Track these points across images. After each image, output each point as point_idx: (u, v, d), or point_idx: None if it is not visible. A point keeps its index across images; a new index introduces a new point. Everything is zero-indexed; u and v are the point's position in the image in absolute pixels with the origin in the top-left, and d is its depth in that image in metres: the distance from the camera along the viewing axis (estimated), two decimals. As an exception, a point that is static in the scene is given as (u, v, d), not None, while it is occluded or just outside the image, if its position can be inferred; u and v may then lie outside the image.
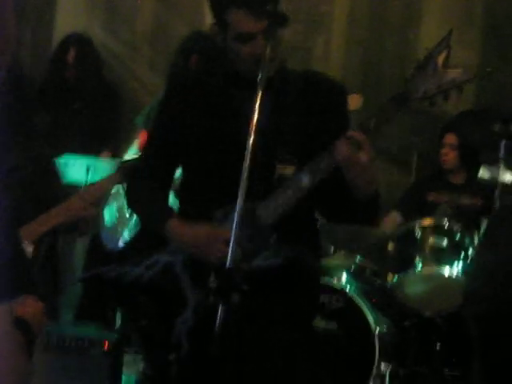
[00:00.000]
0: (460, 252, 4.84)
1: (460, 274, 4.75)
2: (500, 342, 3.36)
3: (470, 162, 5.47)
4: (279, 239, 2.53)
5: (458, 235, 4.88)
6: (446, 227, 4.91)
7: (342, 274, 4.78)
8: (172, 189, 2.88)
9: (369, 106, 5.49)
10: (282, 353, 2.59)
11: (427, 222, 4.96)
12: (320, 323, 4.51)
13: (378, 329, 4.49)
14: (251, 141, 2.34)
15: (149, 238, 2.74)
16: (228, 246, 2.35)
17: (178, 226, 2.63)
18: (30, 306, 2.35)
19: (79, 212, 2.89)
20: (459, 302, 4.58)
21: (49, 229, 2.88)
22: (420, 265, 4.85)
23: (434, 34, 6.09)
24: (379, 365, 4.46)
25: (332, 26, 6.39)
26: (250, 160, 2.32)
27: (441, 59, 2.38)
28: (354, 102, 4.34)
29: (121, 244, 4.66)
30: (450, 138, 5.48)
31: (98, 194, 3.03)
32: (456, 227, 4.91)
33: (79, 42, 5.97)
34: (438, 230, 4.91)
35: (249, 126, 2.37)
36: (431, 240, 4.89)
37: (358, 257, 5.12)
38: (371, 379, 4.42)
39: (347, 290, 4.60)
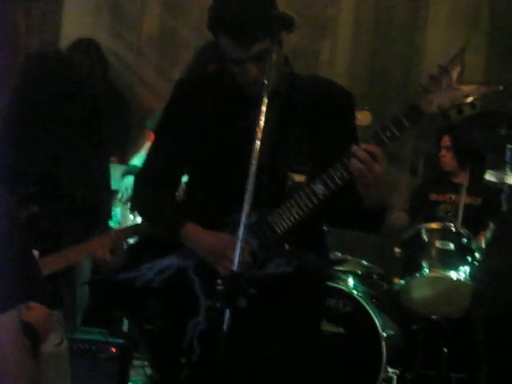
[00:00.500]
0: (467, 255, 4.84)
1: (467, 278, 4.75)
2: (508, 346, 3.36)
3: (467, 162, 5.48)
4: (291, 247, 2.54)
5: (465, 239, 4.88)
6: (452, 231, 4.91)
7: (349, 279, 4.79)
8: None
9: (375, 111, 5.50)
10: (289, 357, 2.60)
11: (434, 225, 4.96)
12: (327, 327, 4.51)
13: (385, 333, 4.49)
14: (257, 146, 2.34)
15: (152, 242, 2.74)
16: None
17: (195, 231, 2.64)
18: (35, 312, 2.36)
19: (98, 256, 2.88)
20: (466, 306, 4.58)
21: (66, 266, 2.88)
22: (427, 269, 4.85)
23: (441, 38, 6.10)
24: (386, 369, 4.46)
25: (338, 31, 6.40)
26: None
27: (455, 74, 2.40)
28: (364, 117, 4.34)
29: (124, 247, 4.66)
30: (446, 140, 5.50)
31: (119, 242, 3.01)
32: (463, 230, 4.91)
33: (87, 47, 5.99)
34: (444, 233, 4.91)
35: (253, 134, 2.37)
36: (438, 244, 4.89)
37: (365, 261, 5.13)
38: (378, 383, 4.42)
39: (354, 295, 4.60)
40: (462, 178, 5.51)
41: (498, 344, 3.48)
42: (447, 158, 5.51)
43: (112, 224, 4.82)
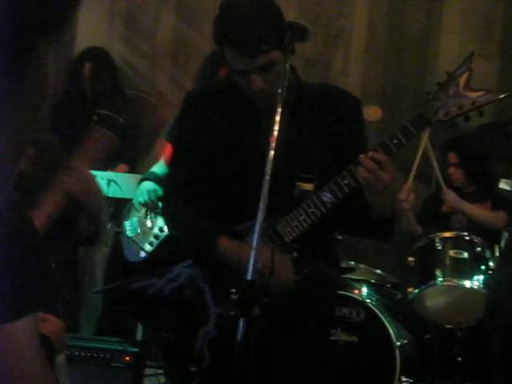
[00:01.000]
0: (481, 264, 4.83)
1: (481, 287, 4.73)
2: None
3: (478, 174, 5.46)
4: (300, 255, 2.55)
5: (479, 247, 4.87)
6: (466, 239, 4.90)
7: (362, 288, 4.78)
8: None
9: (388, 120, 5.51)
10: (298, 366, 2.60)
11: (447, 234, 4.95)
12: (341, 336, 4.51)
13: (399, 342, 4.48)
14: (271, 155, 2.35)
15: (170, 250, 2.74)
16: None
17: (230, 245, 2.60)
18: (50, 324, 2.37)
19: (72, 187, 2.84)
20: (480, 315, 4.57)
21: (52, 212, 2.84)
22: (440, 277, 4.84)
23: (453, 47, 6.10)
24: (400, 378, 4.45)
25: (351, 40, 6.41)
26: (271, 176, 2.33)
27: (462, 81, 2.40)
28: (374, 113, 4.35)
29: (142, 255, 4.67)
30: (453, 158, 5.47)
31: (84, 157, 2.98)
32: (476, 239, 4.90)
33: (95, 55, 6.02)
34: (458, 242, 4.91)
35: (268, 142, 2.38)
36: (452, 252, 4.88)
37: (379, 270, 5.12)
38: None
39: (368, 304, 4.60)
40: (473, 188, 5.50)
41: (511, 354, 3.47)
42: (457, 175, 5.48)
43: (130, 233, 4.85)
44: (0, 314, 1.40)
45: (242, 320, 2.26)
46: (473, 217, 5.14)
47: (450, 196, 5.17)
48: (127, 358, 4.12)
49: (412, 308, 4.88)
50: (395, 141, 2.44)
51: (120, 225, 4.97)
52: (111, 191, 4.96)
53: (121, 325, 4.80)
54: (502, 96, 2.42)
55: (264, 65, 2.51)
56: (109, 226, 5.23)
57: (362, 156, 2.42)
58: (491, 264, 4.80)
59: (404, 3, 6.36)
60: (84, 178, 2.86)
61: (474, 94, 2.39)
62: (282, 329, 2.61)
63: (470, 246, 4.87)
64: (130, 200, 4.88)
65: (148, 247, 4.68)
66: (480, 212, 5.18)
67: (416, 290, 4.89)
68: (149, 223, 4.77)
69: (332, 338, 4.45)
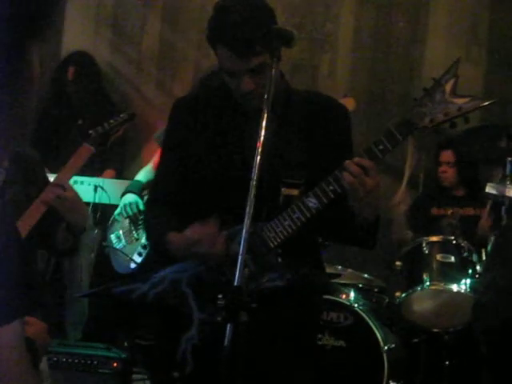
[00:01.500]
0: (468, 268, 4.84)
1: (468, 291, 4.75)
2: (509, 356, 3.36)
3: (469, 176, 5.50)
4: (284, 260, 2.55)
5: (466, 250, 4.89)
6: (453, 243, 4.91)
7: (350, 292, 4.78)
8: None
9: (375, 124, 5.52)
10: (287, 371, 2.60)
11: (434, 238, 4.97)
12: (329, 341, 4.51)
13: (386, 346, 4.48)
14: (258, 161, 2.35)
15: (158, 259, 2.74)
16: (225, 244, 2.40)
17: (174, 236, 2.62)
18: (34, 327, 2.37)
19: (55, 197, 2.90)
20: (468, 319, 4.58)
21: (32, 226, 2.89)
22: (428, 281, 4.85)
23: (440, 51, 6.12)
24: (388, 382, 4.45)
25: (338, 45, 6.42)
26: (256, 181, 2.33)
27: (448, 87, 2.40)
28: (347, 103, 4.35)
29: (132, 266, 4.66)
30: (447, 156, 5.50)
31: (69, 175, 3.07)
32: (463, 243, 4.91)
33: (79, 59, 6.02)
34: (445, 246, 4.92)
35: (254, 147, 2.38)
36: (439, 256, 4.89)
37: (366, 274, 5.13)
38: (380, 397, 4.41)
39: (356, 308, 4.60)
40: (462, 191, 5.53)
41: (499, 356, 3.48)
42: (449, 174, 5.51)
43: (116, 243, 4.84)
44: None
45: (229, 326, 2.26)
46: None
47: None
48: (114, 364, 4.11)
49: (399, 312, 4.89)
50: (381, 147, 2.43)
51: (106, 232, 4.96)
52: (98, 197, 4.96)
53: (108, 330, 4.79)
54: (488, 103, 2.42)
55: (256, 66, 2.51)
56: (95, 231, 5.22)
57: (347, 161, 2.42)
58: (478, 268, 4.82)
59: (390, 8, 6.38)
60: (69, 195, 2.91)
61: (460, 101, 2.39)
62: (269, 334, 2.60)
63: (456, 251, 4.89)
64: (116, 206, 4.87)
65: (137, 258, 4.67)
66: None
67: (403, 294, 4.90)
68: (135, 234, 4.76)
69: (320, 343, 4.45)
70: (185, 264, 2.63)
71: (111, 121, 3.33)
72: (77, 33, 6.58)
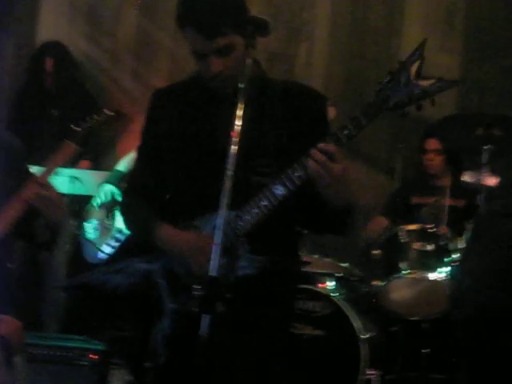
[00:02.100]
0: (445, 257, 4.85)
1: (445, 279, 4.76)
2: (487, 345, 3.37)
3: (455, 165, 5.52)
4: (254, 249, 2.54)
5: (443, 239, 4.90)
6: (430, 232, 4.92)
7: (328, 282, 4.79)
8: None
9: (352, 112, 5.50)
10: (259, 361, 2.60)
11: (412, 226, 4.98)
12: (307, 330, 4.51)
13: (364, 335, 4.49)
14: (233, 152, 2.35)
15: (129, 250, 2.74)
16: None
17: (168, 231, 2.64)
18: (7, 325, 2.35)
19: (35, 195, 2.89)
20: (445, 306, 4.60)
21: (11, 222, 2.88)
22: (405, 270, 4.86)
23: (416, 39, 6.08)
24: (366, 371, 4.46)
25: (314, 34, 6.42)
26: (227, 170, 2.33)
27: (414, 69, 2.38)
28: (329, 113, 4.37)
29: (100, 257, 4.66)
30: (433, 144, 5.51)
31: (50, 173, 3.06)
32: (440, 231, 4.93)
33: (55, 50, 5.98)
34: (422, 234, 4.93)
35: (227, 137, 2.38)
36: (416, 245, 4.90)
37: (344, 264, 5.13)
38: (358, 385, 4.42)
39: (333, 297, 4.60)
40: (446, 181, 5.53)
41: (476, 344, 3.49)
42: (436, 162, 5.51)
43: (90, 235, 4.83)
44: None
45: (205, 316, 2.25)
46: None
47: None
48: (92, 356, 4.09)
49: (377, 301, 4.90)
50: (346, 131, 2.42)
51: (80, 224, 4.94)
52: (74, 188, 4.93)
53: (85, 322, 4.77)
54: (453, 84, 2.40)
55: (223, 47, 2.52)
56: (71, 222, 5.19)
57: (312, 149, 2.41)
58: (455, 256, 4.83)
59: (367, -4, 6.39)
60: (49, 194, 2.90)
61: (426, 83, 2.37)
62: (242, 323, 2.60)
63: (433, 239, 4.90)
64: (92, 197, 4.85)
65: (106, 249, 4.66)
66: None
67: (381, 283, 4.92)
68: (108, 225, 4.76)
69: (298, 332, 4.45)
70: (158, 253, 2.63)
71: (95, 116, 3.31)
72: (51, 23, 6.54)
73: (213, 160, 2.56)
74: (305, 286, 4.59)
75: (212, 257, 2.30)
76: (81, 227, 4.90)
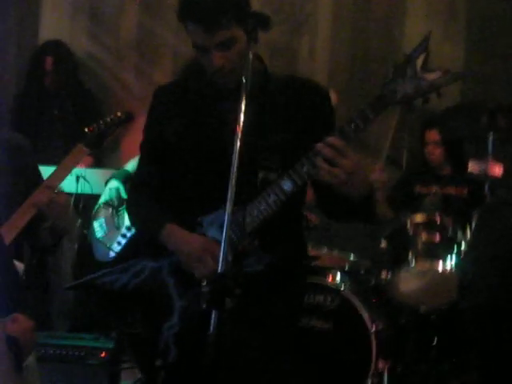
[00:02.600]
0: (452, 247, 4.85)
1: (453, 269, 4.76)
2: (496, 335, 3.37)
3: (456, 155, 5.51)
4: (262, 245, 2.54)
5: (450, 230, 4.89)
6: (437, 222, 4.91)
7: (336, 274, 4.78)
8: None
9: (355, 105, 5.50)
10: (269, 357, 2.60)
11: (419, 217, 4.97)
12: (316, 323, 4.51)
13: (373, 327, 4.49)
14: (237, 147, 2.34)
15: (139, 247, 2.74)
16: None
17: (176, 231, 2.64)
18: (20, 324, 2.35)
19: (48, 201, 2.90)
20: (454, 297, 4.60)
21: (23, 225, 2.89)
22: (413, 261, 4.86)
23: (419, 30, 6.11)
24: (376, 363, 4.46)
25: (317, 26, 6.40)
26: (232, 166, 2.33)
27: (419, 62, 2.38)
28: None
29: (111, 255, 4.66)
30: (433, 135, 5.50)
31: (62, 177, 3.06)
32: (447, 222, 4.92)
33: (56, 49, 5.98)
34: (429, 225, 4.92)
35: (231, 133, 2.37)
36: (423, 236, 4.89)
37: (352, 256, 5.12)
38: (369, 377, 4.42)
39: (342, 290, 4.60)
40: (447, 170, 5.53)
41: (486, 334, 3.50)
42: (436, 153, 5.51)
43: (98, 234, 4.83)
44: None
45: (214, 313, 2.25)
46: None
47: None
48: (102, 355, 4.10)
49: (386, 293, 4.90)
50: (353, 126, 2.41)
51: (88, 223, 4.95)
52: (80, 187, 4.94)
53: (95, 320, 4.78)
54: (460, 77, 2.39)
55: (224, 41, 2.51)
56: (78, 221, 5.20)
57: (319, 145, 2.38)
58: (463, 246, 4.82)
59: (368, -13, 6.37)
60: (59, 200, 2.90)
61: (432, 76, 2.36)
62: (251, 320, 2.60)
63: (441, 229, 4.89)
64: (99, 196, 4.86)
65: (116, 247, 4.66)
66: None
67: (389, 275, 4.91)
68: (116, 222, 4.76)
69: (307, 326, 4.45)
70: (165, 251, 2.63)
71: (107, 120, 3.31)
72: (54, 22, 6.53)
73: (217, 156, 2.56)
74: (313, 280, 4.58)
75: (220, 253, 2.30)
76: (89, 226, 4.91)
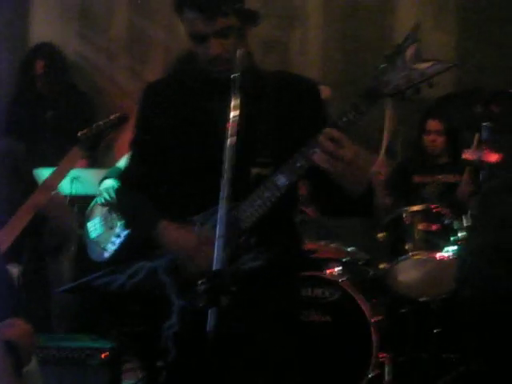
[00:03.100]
0: (450, 236, 4.85)
1: (451, 258, 4.76)
2: (495, 324, 3.37)
3: (455, 143, 5.52)
4: (257, 241, 2.53)
5: (448, 219, 4.89)
6: (434, 212, 4.92)
7: (334, 267, 4.78)
8: None
9: (348, 97, 5.48)
10: (269, 352, 2.60)
11: (415, 207, 4.97)
12: (315, 317, 4.51)
13: (373, 319, 4.49)
14: (229, 143, 2.33)
15: (133, 247, 2.73)
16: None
17: (169, 228, 2.62)
18: (18, 329, 2.34)
19: (46, 202, 2.90)
20: (453, 286, 4.60)
21: (22, 228, 2.89)
22: (411, 251, 4.86)
23: (410, 21, 6.10)
24: (377, 354, 4.46)
25: (307, 20, 6.39)
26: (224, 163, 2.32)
27: (410, 53, 2.36)
28: (323, 93, 4.35)
29: (106, 255, 4.66)
30: (435, 125, 5.51)
31: (59, 180, 3.07)
32: (444, 211, 4.92)
33: (47, 51, 5.97)
34: (426, 215, 4.93)
35: (223, 130, 2.36)
36: (421, 225, 4.90)
37: (350, 248, 5.12)
38: (370, 368, 4.42)
39: (341, 283, 4.60)
40: (446, 159, 5.54)
41: (483, 321, 3.49)
42: (438, 142, 5.52)
43: (93, 234, 4.83)
44: None
45: (211, 310, 2.24)
46: None
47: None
48: (103, 355, 4.09)
49: (385, 284, 4.90)
50: (345, 119, 2.40)
51: (83, 224, 4.94)
52: (75, 189, 4.93)
53: (96, 321, 4.77)
54: (451, 66, 2.38)
55: (223, 28, 2.50)
56: (75, 223, 5.19)
57: (320, 138, 2.37)
58: (460, 235, 4.83)
59: (358, -21, 6.36)
60: (57, 201, 2.91)
61: (423, 66, 2.35)
62: (250, 316, 2.59)
63: (438, 218, 4.90)
64: (94, 196, 4.85)
65: (110, 247, 4.66)
66: None
67: (388, 266, 4.91)
68: (110, 222, 4.75)
69: (307, 319, 4.45)
70: (161, 250, 2.62)
71: (101, 122, 3.30)
72: (43, 24, 6.52)
73: (209, 153, 2.55)
74: (312, 273, 4.58)
75: (216, 250, 2.29)
76: (84, 227, 4.90)
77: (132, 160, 2.85)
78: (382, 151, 5.41)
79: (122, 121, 3.38)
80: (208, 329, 2.21)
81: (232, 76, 2.42)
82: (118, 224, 4.68)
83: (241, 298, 2.36)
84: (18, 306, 2.39)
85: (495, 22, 6.11)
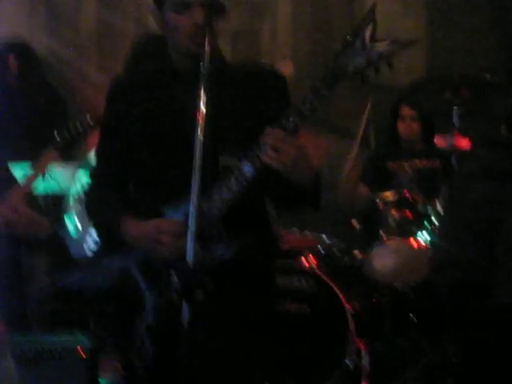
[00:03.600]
0: (424, 221, 4.87)
1: (426, 244, 4.78)
2: (470, 309, 3.39)
3: (430, 130, 5.54)
4: (229, 231, 2.53)
5: (421, 205, 4.91)
6: (407, 198, 4.93)
7: (309, 256, 4.78)
8: None
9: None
10: (246, 344, 2.60)
11: (388, 194, 4.98)
12: (291, 307, 4.51)
13: (350, 306, 4.50)
14: (199, 134, 2.34)
15: (112, 244, 2.72)
16: (175, 238, 2.40)
17: (130, 223, 2.62)
18: None
19: (7, 214, 2.90)
20: (428, 272, 4.62)
21: None
22: (386, 238, 4.88)
23: (379, 7, 6.09)
24: (355, 342, 4.47)
25: (277, 8, 6.39)
26: (193, 154, 2.32)
27: (367, 33, 2.37)
28: (286, 68, 4.33)
29: (88, 253, 4.63)
30: (408, 111, 5.51)
31: (32, 182, 3.06)
32: (418, 197, 4.94)
33: (19, 50, 5.92)
34: (399, 201, 4.94)
35: (191, 120, 2.36)
36: (394, 212, 4.91)
37: (324, 237, 5.13)
38: (347, 356, 4.42)
39: (316, 272, 4.60)
40: (420, 145, 5.55)
41: (461, 308, 3.52)
42: (412, 128, 5.52)
43: (72, 231, 4.79)
44: None
45: (185, 305, 2.24)
46: None
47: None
48: (81, 351, 4.08)
49: (361, 271, 4.91)
50: (307, 104, 2.40)
51: (59, 221, 4.91)
52: (48, 186, 4.90)
53: (71, 320, 4.75)
54: (408, 44, 2.38)
55: (207, 18, 2.50)
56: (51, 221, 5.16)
57: (264, 135, 2.39)
58: (433, 220, 4.84)
59: (327, -35, 6.36)
60: (20, 218, 2.90)
61: (380, 45, 2.35)
62: (224, 308, 2.60)
63: (411, 205, 4.91)
64: (67, 192, 4.82)
65: (92, 243, 4.63)
66: None
67: (363, 253, 4.93)
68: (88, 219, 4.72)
69: (283, 309, 4.45)
70: (130, 248, 2.62)
71: (77, 125, 3.27)
72: (10, 18, 6.46)
73: (178, 144, 2.56)
74: (287, 263, 4.58)
75: (187, 244, 2.29)
76: (60, 223, 4.87)
77: (99, 157, 2.85)
78: (358, 139, 5.43)
79: (97, 124, 3.36)
80: (183, 322, 2.21)
81: (201, 68, 2.42)
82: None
83: (214, 289, 2.36)
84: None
85: (464, 7, 6.13)
